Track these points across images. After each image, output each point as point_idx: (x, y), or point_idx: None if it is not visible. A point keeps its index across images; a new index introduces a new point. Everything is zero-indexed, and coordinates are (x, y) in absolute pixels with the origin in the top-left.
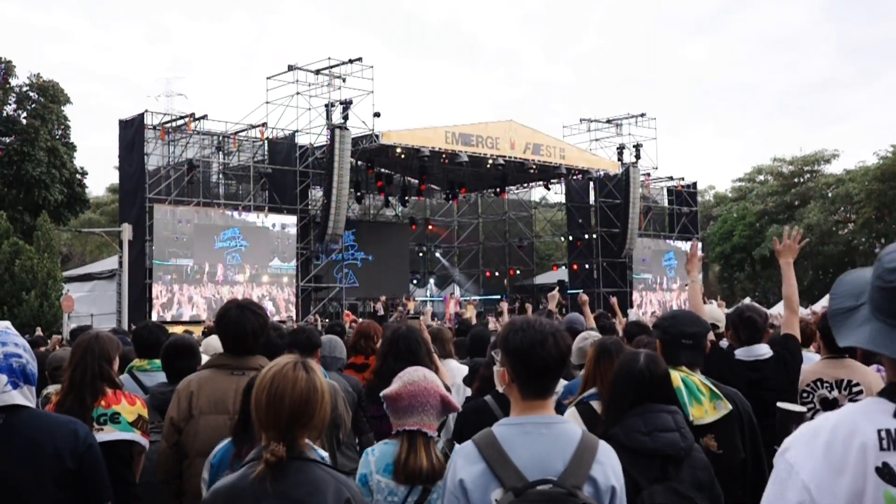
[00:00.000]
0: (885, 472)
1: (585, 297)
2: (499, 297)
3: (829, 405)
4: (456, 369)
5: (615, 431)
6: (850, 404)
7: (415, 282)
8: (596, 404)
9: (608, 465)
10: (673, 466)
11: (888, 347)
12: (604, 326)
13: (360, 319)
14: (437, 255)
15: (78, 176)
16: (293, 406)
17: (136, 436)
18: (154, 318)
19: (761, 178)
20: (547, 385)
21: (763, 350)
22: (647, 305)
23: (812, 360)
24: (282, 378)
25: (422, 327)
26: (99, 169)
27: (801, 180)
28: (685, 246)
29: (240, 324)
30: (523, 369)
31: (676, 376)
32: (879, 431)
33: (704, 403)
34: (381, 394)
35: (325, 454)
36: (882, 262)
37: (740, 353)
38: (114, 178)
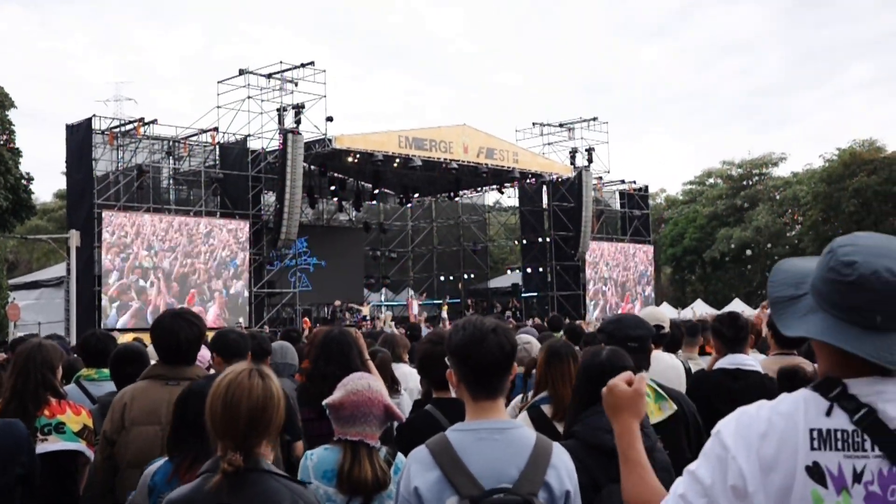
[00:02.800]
0: (814, 472)
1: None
2: (457, 300)
3: None
4: (409, 374)
5: (578, 429)
6: (785, 395)
7: (369, 286)
8: (547, 408)
9: (562, 469)
10: None
11: (834, 337)
12: (572, 329)
13: (317, 325)
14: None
15: (24, 182)
16: (250, 413)
17: (81, 446)
18: (104, 325)
19: (711, 181)
20: (492, 384)
21: (746, 360)
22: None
23: (758, 360)
24: (237, 385)
25: (357, 335)
26: (46, 175)
27: (750, 183)
28: (634, 248)
29: (172, 332)
30: (464, 368)
31: None
32: (811, 431)
33: (650, 405)
34: (323, 402)
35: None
36: (836, 255)
37: (723, 362)
38: (61, 183)
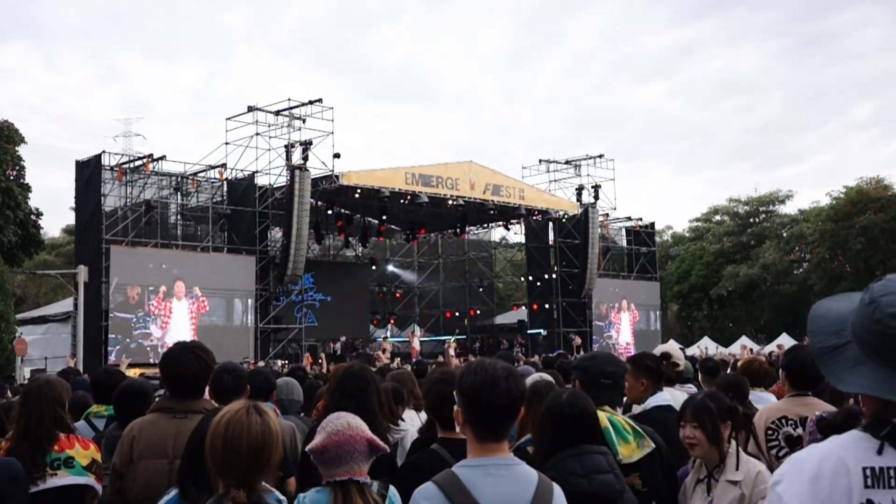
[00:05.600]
0: None
1: (579, 340)
2: (463, 337)
3: (794, 442)
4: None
5: (552, 475)
6: (833, 438)
7: (374, 322)
8: (531, 449)
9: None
10: None
11: (893, 392)
12: (562, 366)
13: (321, 361)
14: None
15: (33, 217)
16: (250, 450)
17: (90, 480)
18: (112, 360)
19: (718, 218)
20: (500, 427)
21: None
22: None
23: (764, 400)
24: (236, 423)
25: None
26: (54, 210)
27: (757, 220)
28: (645, 285)
29: (179, 366)
30: (474, 411)
31: (603, 416)
32: (864, 469)
33: (631, 442)
34: (306, 448)
35: (282, 497)
36: (880, 306)
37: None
38: (70, 219)
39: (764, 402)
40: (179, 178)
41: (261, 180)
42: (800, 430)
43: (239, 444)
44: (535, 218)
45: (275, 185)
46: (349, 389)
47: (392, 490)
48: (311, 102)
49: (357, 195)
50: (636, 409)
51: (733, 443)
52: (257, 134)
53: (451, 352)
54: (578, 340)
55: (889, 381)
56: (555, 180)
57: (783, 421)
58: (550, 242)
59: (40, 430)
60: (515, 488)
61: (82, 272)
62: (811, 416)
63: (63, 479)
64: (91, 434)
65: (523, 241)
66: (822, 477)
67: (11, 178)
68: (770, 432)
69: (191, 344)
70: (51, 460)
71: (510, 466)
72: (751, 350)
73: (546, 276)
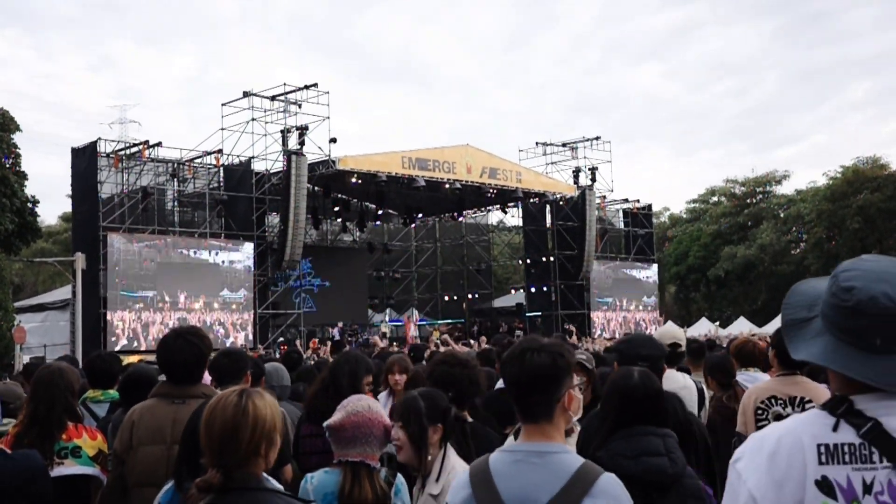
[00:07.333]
0: (823, 485)
1: (573, 328)
2: (461, 321)
3: None
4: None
5: (601, 454)
6: (795, 416)
7: (373, 307)
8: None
9: (602, 499)
10: (658, 493)
11: (837, 363)
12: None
13: (320, 347)
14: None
15: (29, 205)
16: (222, 433)
17: (96, 471)
18: (112, 347)
19: (715, 199)
20: (528, 405)
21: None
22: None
23: (757, 381)
24: (214, 406)
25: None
26: (51, 198)
27: (754, 201)
28: (642, 267)
29: (173, 352)
30: (507, 386)
31: None
32: (819, 446)
33: None
34: (324, 424)
35: (274, 481)
36: (837, 280)
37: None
38: (66, 206)
39: (757, 382)
40: (176, 165)
41: (257, 166)
42: (789, 410)
43: (213, 426)
44: (532, 201)
45: (271, 171)
46: (343, 372)
47: (399, 478)
48: (306, 87)
49: (354, 180)
50: None
51: (444, 449)
52: (253, 119)
53: (437, 339)
54: (573, 328)
55: (839, 354)
56: (552, 163)
57: (772, 401)
58: (548, 225)
59: (51, 417)
60: (543, 479)
61: (80, 259)
62: (800, 396)
63: (70, 468)
64: (88, 419)
65: (521, 223)
66: (780, 454)
67: (7, 166)
68: (759, 412)
69: (185, 330)
70: (58, 449)
71: (545, 454)
72: (753, 333)
73: (544, 259)
